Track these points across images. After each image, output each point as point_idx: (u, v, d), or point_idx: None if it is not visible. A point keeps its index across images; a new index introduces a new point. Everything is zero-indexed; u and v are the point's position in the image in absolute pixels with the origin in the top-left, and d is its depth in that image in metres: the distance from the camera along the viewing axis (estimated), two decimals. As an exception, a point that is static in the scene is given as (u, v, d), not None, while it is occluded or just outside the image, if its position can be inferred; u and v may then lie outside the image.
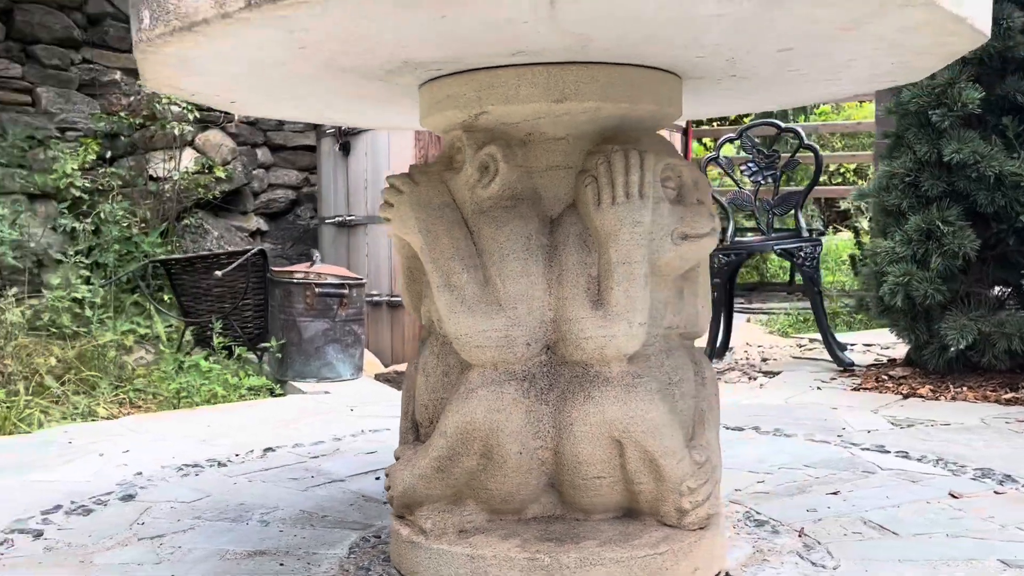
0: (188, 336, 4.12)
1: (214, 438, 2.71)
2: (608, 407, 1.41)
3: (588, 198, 1.44)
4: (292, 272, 3.90)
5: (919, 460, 2.28)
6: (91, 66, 5.33)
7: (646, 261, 1.43)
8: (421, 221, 1.47)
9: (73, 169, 4.65)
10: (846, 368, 3.81)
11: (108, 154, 5.08)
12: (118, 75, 5.39)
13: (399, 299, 4.32)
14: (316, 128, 5.39)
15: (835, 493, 2.00)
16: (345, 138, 4.62)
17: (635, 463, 1.45)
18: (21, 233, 4.28)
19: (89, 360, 3.56)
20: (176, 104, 5.14)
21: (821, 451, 2.39)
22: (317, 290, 3.80)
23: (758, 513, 1.87)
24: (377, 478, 2.19)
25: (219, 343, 3.84)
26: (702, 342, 4.08)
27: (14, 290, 3.73)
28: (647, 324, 1.43)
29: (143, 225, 4.95)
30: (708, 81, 1.64)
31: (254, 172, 5.91)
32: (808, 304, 4.68)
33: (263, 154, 6.00)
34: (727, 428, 2.69)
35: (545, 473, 1.49)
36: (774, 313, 5.99)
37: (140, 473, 2.28)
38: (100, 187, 4.93)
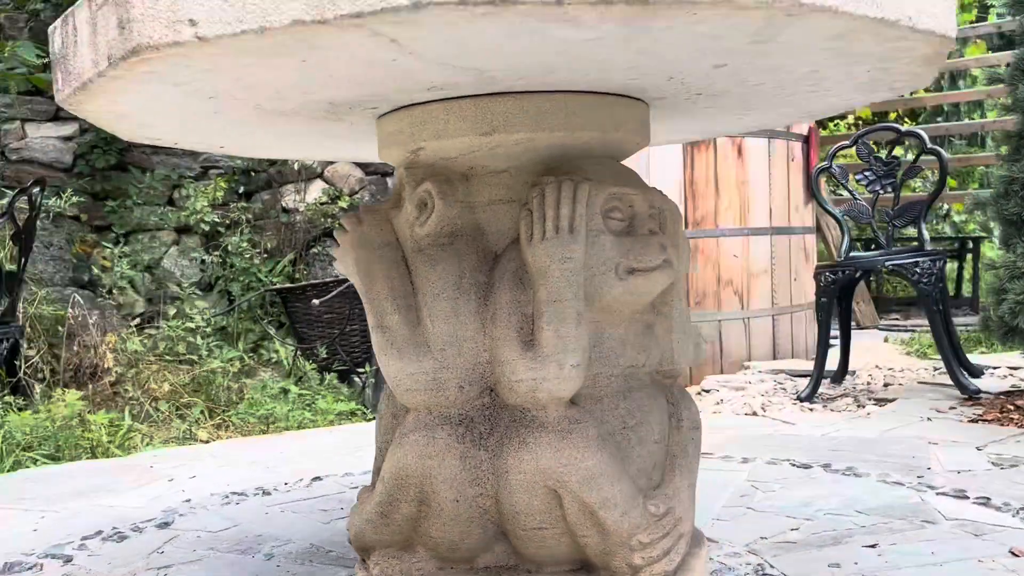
0: (303, 362, 4.31)
1: (277, 465, 2.80)
2: (542, 454, 1.33)
3: (523, 233, 1.37)
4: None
5: (997, 509, 2.01)
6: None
7: (579, 299, 1.33)
8: (360, 261, 1.45)
9: (203, 206, 4.98)
10: (971, 396, 3.43)
11: (242, 189, 5.41)
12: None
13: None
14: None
15: (873, 546, 1.80)
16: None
17: (574, 514, 1.35)
18: (148, 267, 4.63)
19: (202, 386, 3.79)
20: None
21: (886, 495, 2.16)
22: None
23: (771, 567, 1.70)
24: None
25: (312, 368, 3.98)
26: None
27: (136, 320, 4.04)
28: (582, 366, 1.34)
29: (266, 255, 5.23)
30: (680, 102, 1.53)
31: (383, 201, 6.12)
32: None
33: (392, 183, 6.20)
34: (793, 465, 2.49)
35: (491, 521, 1.42)
36: (916, 331, 5.52)
37: (189, 500, 2.39)
38: (231, 221, 5.25)
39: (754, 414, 3.52)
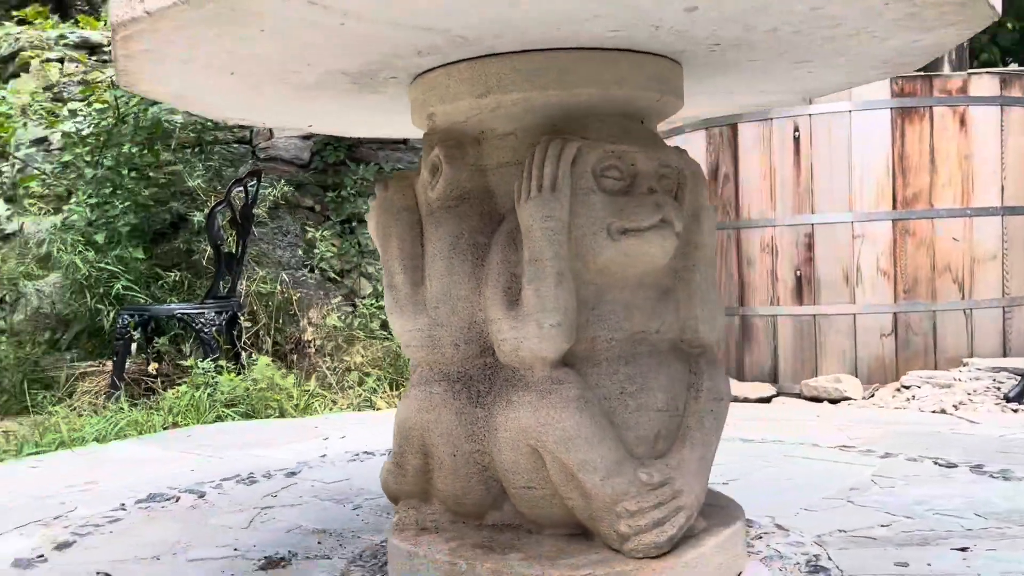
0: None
1: None
2: (523, 413, 1.33)
3: (515, 194, 1.37)
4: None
5: None
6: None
7: (560, 259, 1.32)
8: (381, 225, 1.53)
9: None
10: None
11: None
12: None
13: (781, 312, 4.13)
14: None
15: (963, 549, 1.58)
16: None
17: (557, 475, 1.34)
18: (361, 251, 5.03)
19: (390, 360, 4.08)
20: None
21: (1023, 500, 1.88)
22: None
23: (828, 559, 1.56)
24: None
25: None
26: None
27: (337, 299, 4.42)
28: (563, 327, 1.31)
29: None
30: (701, 56, 1.45)
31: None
32: None
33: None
34: (937, 463, 2.23)
35: (492, 478, 1.44)
36: None
37: (324, 455, 2.61)
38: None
39: (942, 411, 3.17)
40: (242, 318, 4.09)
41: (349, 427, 3.09)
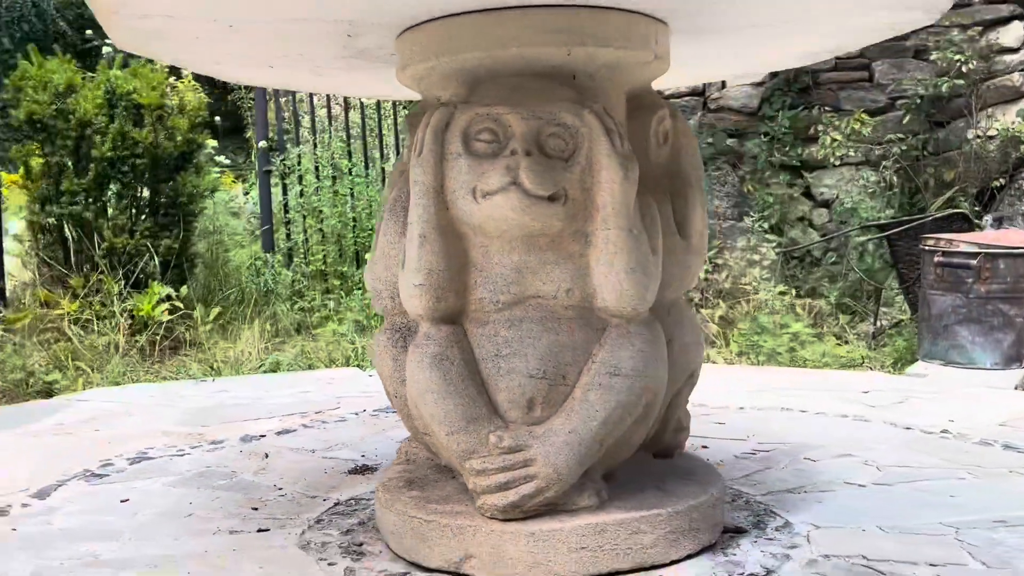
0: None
1: None
2: (404, 366, 1.44)
3: (412, 160, 1.45)
4: (927, 238, 3.46)
5: None
6: (929, 30, 5.31)
7: (424, 221, 1.37)
8: (389, 187, 1.71)
9: (835, 139, 4.92)
10: None
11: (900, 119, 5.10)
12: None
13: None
14: None
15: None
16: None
17: (423, 426, 1.42)
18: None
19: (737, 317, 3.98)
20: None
21: None
22: (936, 259, 3.30)
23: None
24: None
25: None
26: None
27: (713, 251, 4.38)
28: (428, 286, 1.37)
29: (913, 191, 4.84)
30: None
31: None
32: None
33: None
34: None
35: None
36: None
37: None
38: (881, 154, 5.03)
39: None
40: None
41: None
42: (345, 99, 5.86)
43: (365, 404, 2.65)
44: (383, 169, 5.71)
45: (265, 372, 3.41)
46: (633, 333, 1.38)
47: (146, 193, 4.15)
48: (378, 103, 5.92)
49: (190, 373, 3.36)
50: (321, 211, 5.28)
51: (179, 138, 4.18)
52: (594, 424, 1.35)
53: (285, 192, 5.49)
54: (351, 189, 5.37)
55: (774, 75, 5.73)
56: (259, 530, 1.60)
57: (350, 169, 5.46)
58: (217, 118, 5.77)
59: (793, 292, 4.28)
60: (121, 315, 3.68)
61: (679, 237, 1.52)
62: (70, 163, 4.00)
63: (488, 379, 1.38)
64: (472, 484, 1.36)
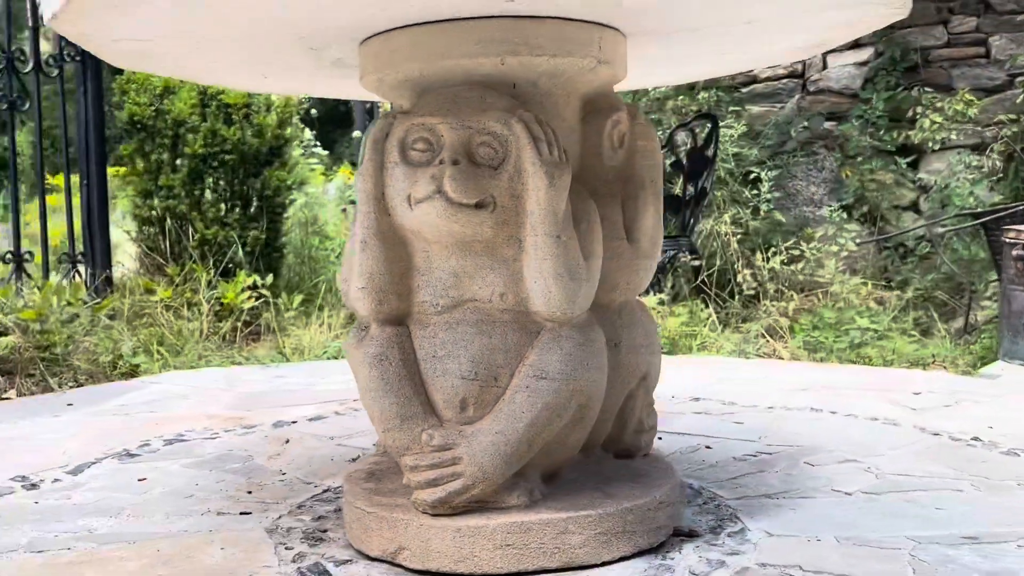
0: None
1: (757, 381, 2.88)
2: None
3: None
4: (1008, 230, 3.24)
5: None
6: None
7: (364, 227, 1.44)
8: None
9: (934, 122, 4.65)
10: None
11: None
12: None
13: None
14: None
15: None
16: None
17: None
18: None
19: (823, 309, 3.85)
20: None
21: None
22: (1016, 252, 3.09)
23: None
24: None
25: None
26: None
27: (791, 241, 4.23)
28: (368, 289, 1.43)
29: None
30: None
31: None
32: None
33: None
34: None
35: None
36: None
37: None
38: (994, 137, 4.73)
39: None
40: (686, 258, 4.29)
41: (686, 368, 3.17)
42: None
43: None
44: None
45: (328, 359, 3.58)
46: (563, 337, 1.40)
47: (235, 187, 4.41)
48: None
49: (258, 358, 3.57)
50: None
51: (267, 135, 4.42)
52: (520, 426, 1.38)
53: None
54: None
55: (879, 54, 5.48)
56: (241, 513, 1.72)
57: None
58: (314, 111, 6.02)
59: (873, 284, 4.10)
60: (207, 302, 3.94)
61: (626, 241, 1.53)
62: (167, 160, 4.30)
63: (426, 379, 1.43)
64: (407, 479, 1.42)
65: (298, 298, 4.27)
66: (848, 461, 1.96)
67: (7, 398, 2.87)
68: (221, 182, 4.34)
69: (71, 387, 3.04)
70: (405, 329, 1.47)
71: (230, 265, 4.28)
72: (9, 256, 3.92)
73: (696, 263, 4.33)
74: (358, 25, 1.41)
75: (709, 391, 2.73)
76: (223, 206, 4.36)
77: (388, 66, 1.47)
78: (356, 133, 5.60)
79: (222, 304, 4.03)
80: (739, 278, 4.11)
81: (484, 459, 1.38)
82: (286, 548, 1.52)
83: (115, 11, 1.31)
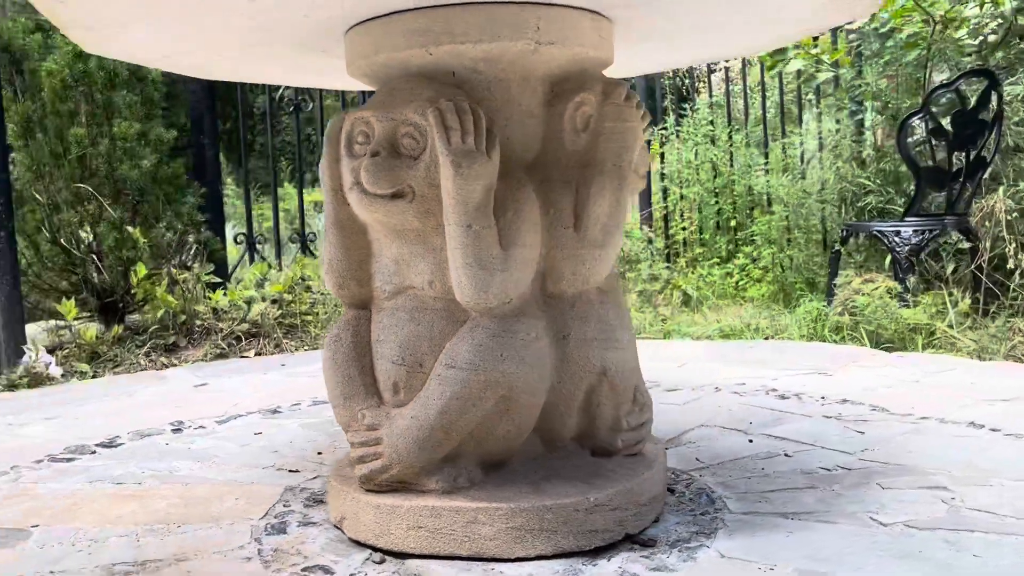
0: None
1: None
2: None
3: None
4: None
5: None
6: None
7: (328, 216, 1.54)
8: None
9: None
10: None
11: None
12: None
13: None
14: None
15: None
16: None
17: (340, 397, 1.59)
18: None
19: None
20: None
21: None
22: None
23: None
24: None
25: None
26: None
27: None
28: (331, 273, 1.54)
29: None
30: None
31: None
32: None
33: None
34: None
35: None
36: None
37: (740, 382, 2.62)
38: None
39: None
40: (951, 239, 3.71)
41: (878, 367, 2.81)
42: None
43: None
44: (747, 134, 5.54)
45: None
46: (479, 327, 1.39)
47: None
48: (743, 64, 5.74)
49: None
50: (688, 178, 5.42)
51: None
52: (431, 413, 1.40)
53: (662, 160, 5.71)
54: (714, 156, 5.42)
55: None
56: (290, 471, 1.92)
57: (729, 135, 5.42)
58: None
59: None
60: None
61: (572, 230, 1.45)
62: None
63: (373, 362, 1.51)
64: (350, 452, 1.52)
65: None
66: (936, 488, 1.65)
67: (245, 356, 3.42)
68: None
69: (305, 350, 3.52)
70: (366, 313, 1.55)
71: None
72: (241, 237, 4.56)
73: (968, 245, 3.73)
74: (311, 28, 1.51)
75: (872, 395, 2.41)
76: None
77: (350, 64, 1.55)
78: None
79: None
80: (1011, 264, 3.47)
81: (399, 442, 1.42)
82: (284, 505, 1.70)
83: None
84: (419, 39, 1.42)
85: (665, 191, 5.62)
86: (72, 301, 3.37)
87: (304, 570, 1.39)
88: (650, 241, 5.31)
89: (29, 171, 3.53)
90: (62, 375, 3.03)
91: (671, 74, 6.56)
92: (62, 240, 3.59)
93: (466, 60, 1.43)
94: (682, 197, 5.60)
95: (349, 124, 1.48)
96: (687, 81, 6.78)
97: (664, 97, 5.96)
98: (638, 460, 1.56)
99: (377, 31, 1.46)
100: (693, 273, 5.21)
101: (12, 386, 2.91)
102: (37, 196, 3.50)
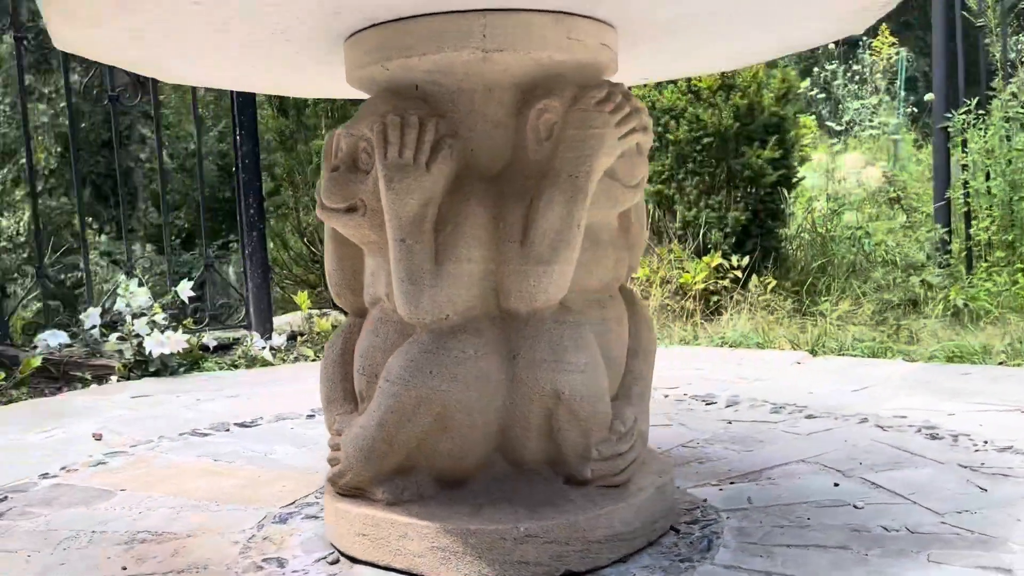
0: None
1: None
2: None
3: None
4: None
5: None
6: None
7: (326, 228, 1.61)
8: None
9: None
10: None
11: None
12: None
13: None
14: None
15: None
16: None
17: (345, 400, 1.66)
18: None
19: None
20: None
21: None
22: None
23: None
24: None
25: None
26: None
27: None
28: (331, 284, 1.61)
29: None
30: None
31: None
32: None
33: None
34: None
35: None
36: None
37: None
38: None
39: None
40: None
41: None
42: None
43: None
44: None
45: (726, 345, 3.48)
46: (415, 342, 1.38)
47: (715, 169, 4.47)
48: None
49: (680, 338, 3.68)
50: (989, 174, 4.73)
51: (762, 112, 4.37)
52: (372, 423, 1.42)
53: (964, 147, 5.00)
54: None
55: None
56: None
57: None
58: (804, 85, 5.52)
59: None
60: (666, 283, 4.16)
61: (518, 244, 1.37)
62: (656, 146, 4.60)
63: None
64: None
65: (771, 282, 4.17)
66: (998, 570, 1.32)
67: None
68: (703, 166, 4.45)
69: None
70: (360, 321, 1.61)
71: (710, 246, 4.38)
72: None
73: None
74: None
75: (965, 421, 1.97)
76: (702, 189, 4.47)
77: (347, 78, 1.61)
78: (928, 96, 5.00)
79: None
80: None
81: (349, 450, 1.46)
82: (317, 495, 1.81)
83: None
84: (376, 55, 1.44)
85: (965, 184, 4.91)
86: (306, 293, 3.81)
87: (264, 560, 1.49)
88: (944, 243, 4.72)
89: (282, 179, 4.06)
90: (273, 357, 3.45)
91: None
92: (305, 240, 4.07)
93: (419, 73, 1.42)
94: (989, 191, 4.86)
95: (334, 141, 1.54)
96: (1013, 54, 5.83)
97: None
98: (608, 493, 1.45)
99: (348, 49, 1.50)
100: (988, 280, 4.52)
101: (233, 366, 3.38)
102: (287, 201, 4.01)
